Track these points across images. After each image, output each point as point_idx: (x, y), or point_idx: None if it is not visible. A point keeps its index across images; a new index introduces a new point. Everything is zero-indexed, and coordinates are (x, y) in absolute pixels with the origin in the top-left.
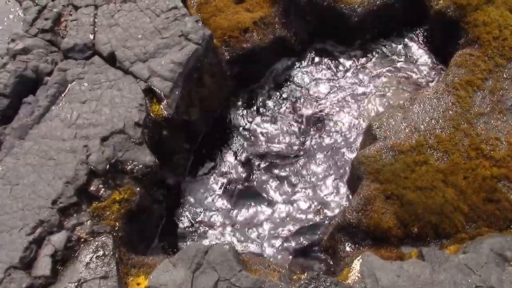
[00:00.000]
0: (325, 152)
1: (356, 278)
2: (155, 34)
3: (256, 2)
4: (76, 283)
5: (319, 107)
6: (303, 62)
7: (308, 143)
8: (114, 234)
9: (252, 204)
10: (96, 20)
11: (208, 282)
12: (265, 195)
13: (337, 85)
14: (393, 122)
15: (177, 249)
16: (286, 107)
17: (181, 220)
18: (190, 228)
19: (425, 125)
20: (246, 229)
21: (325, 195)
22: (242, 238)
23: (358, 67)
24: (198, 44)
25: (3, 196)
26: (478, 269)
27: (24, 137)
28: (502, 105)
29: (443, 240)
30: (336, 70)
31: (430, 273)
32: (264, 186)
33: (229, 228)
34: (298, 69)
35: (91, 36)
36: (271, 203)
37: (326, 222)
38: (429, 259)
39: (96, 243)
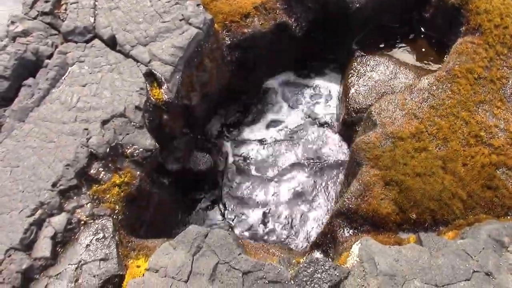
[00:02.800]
0: None
1: (355, 262)
2: (156, 18)
3: None
4: (76, 265)
5: None
6: None
7: None
8: (114, 217)
9: (253, 192)
10: (96, 3)
11: (208, 264)
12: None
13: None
14: (393, 109)
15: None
16: None
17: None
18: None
19: (425, 112)
20: (246, 216)
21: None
22: (242, 225)
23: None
24: (199, 28)
25: (3, 178)
26: (475, 254)
27: (24, 120)
28: (502, 93)
29: (441, 226)
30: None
31: (428, 258)
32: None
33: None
34: None
35: (92, 19)
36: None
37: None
38: (427, 244)
39: (96, 225)
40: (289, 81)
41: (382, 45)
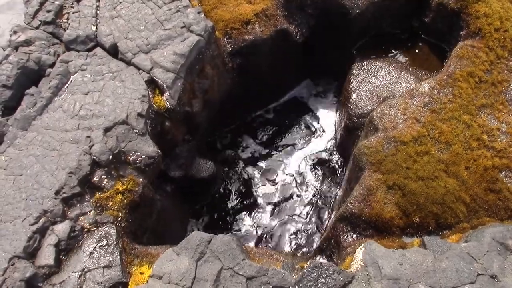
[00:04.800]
0: None
1: (359, 266)
2: (157, 26)
3: None
4: (79, 272)
5: None
6: None
7: None
8: (117, 224)
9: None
10: (98, 12)
11: (211, 270)
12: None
13: None
14: (395, 114)
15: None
16: None
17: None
18: None
19: (427, 116)
20: (250, 224)
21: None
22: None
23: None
24: (200, 36)
25: (7, 186)
26: (480, 257)
27: (27, 128)
28: (503, 96)
29: (445, 229)
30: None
31: (433, 261)
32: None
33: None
34: None
35: (93, 28)
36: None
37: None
38: (431, 248)
39: (100, 233)
40: None
41: (382, 51)
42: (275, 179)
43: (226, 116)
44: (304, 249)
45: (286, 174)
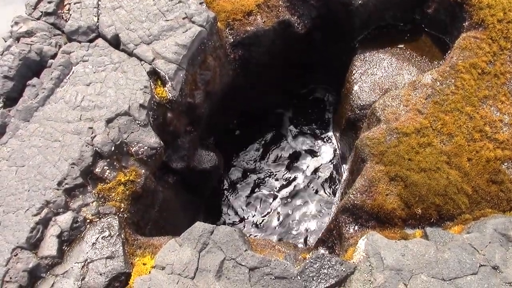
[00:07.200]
0: None
1: (361, 257)
2: (159, 17)
3: None
4: (82, 263)
5: None
6: None
7: None
8: (120, 215)
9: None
10: (99, 2)
11: (214, 261)
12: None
13: None
14: (397, 105)
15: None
16: None
17: None
18: None
19: (429, 107)
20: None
21: None
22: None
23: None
24: (202, 27)
25: (9, 177)
26: (482, 248)
27: (29, 119)
28: (506, 87)
29: (447, 221)
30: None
31: (435, 252)
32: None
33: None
34: None
35: (95, 19)
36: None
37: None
38: (433, 239)
39: (102, 224)
40: None
41: (385, 43)
42: (280, 170)
43: (228, 108)
44: (306, 240)
45: (292, 165)
